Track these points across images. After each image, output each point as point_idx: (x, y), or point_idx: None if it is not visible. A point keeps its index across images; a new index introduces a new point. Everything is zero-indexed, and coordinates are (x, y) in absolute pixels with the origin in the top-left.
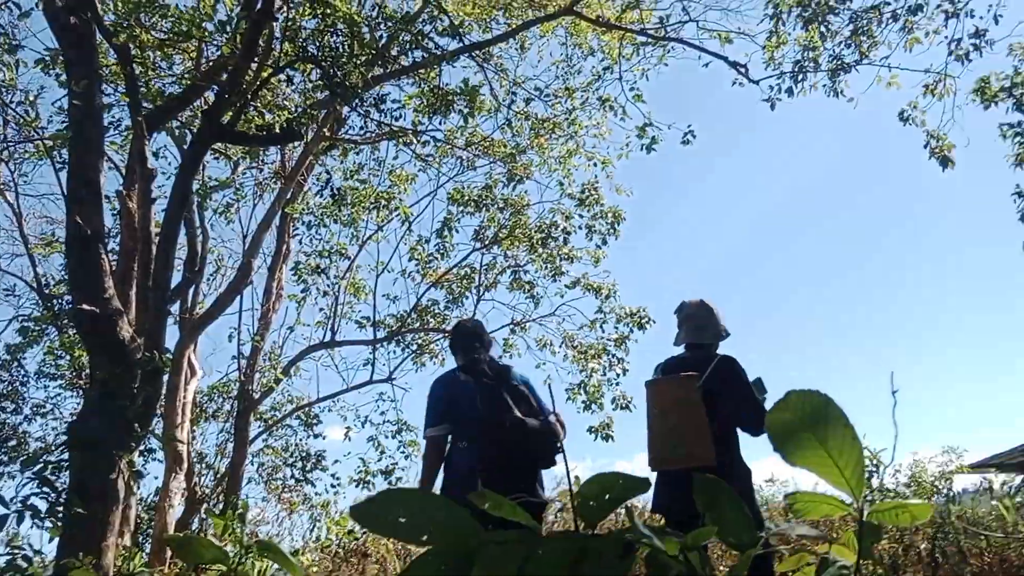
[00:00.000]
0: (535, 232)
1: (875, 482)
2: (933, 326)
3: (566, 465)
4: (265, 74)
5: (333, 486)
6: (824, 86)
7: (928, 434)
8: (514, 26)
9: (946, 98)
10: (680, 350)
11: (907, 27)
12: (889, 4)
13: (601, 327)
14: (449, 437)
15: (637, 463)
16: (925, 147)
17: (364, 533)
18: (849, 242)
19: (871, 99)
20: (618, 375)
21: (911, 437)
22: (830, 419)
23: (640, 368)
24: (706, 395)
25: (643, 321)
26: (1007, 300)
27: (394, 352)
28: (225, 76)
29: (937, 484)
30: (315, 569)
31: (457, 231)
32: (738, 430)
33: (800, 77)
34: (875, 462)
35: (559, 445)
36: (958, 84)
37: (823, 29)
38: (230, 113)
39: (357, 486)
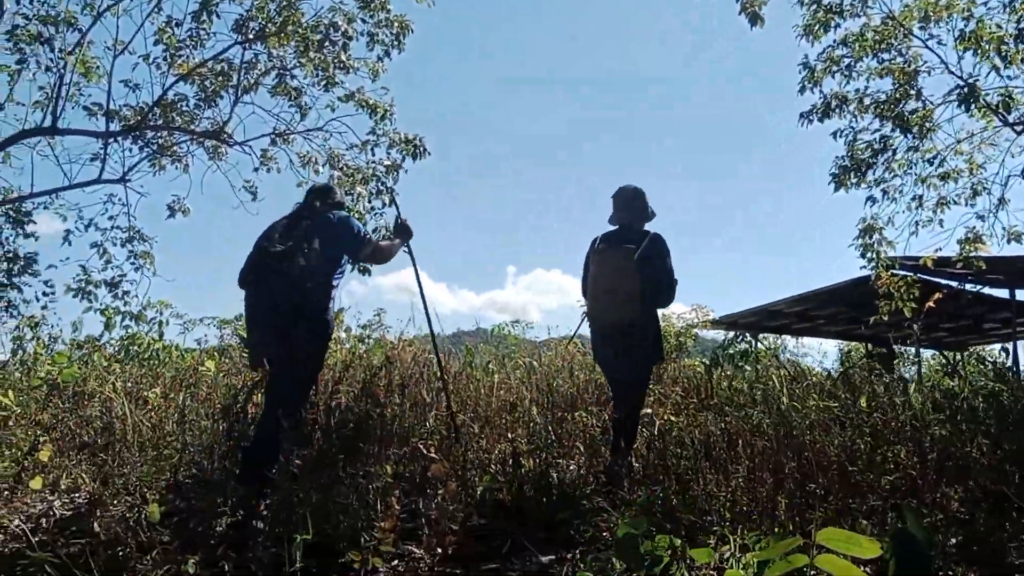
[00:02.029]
0: (311, 32)
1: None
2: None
3: (424, 304)
4: None
5: (45, 294)
6: None
7: (688, 295)
8: None
9: None
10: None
11: None
12: None
13: (372, 150)
14: None
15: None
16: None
17: (86, 366)
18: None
19: None
20: (384, 204)
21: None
22: None
23: (409, 198)
24: (637, 265)
25: (418, 150)
26: (787, 174)
27: (130, 150)
28: None
29: (681, 338)
30: (17, 409)
31: (218, 16)
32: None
33: None
34: None
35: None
36: None
37: None
38: None
39: (75, 296)
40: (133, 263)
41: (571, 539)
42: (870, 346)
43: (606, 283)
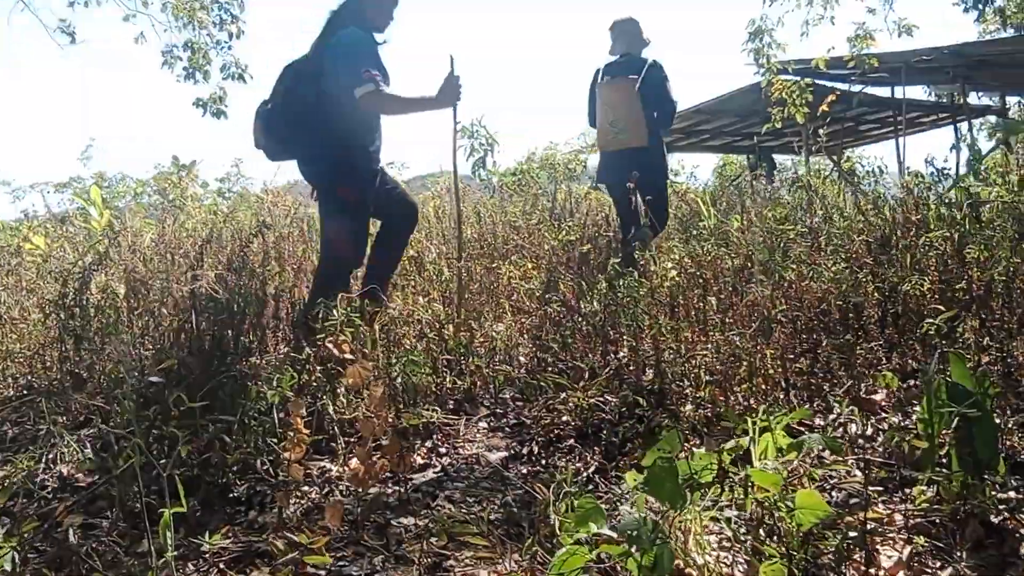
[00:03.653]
0: None
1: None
2: None
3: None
4: None
5: None
6: None
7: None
8: None
9: None
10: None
11: None
12: None
13: None
14: None
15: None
16: None
17: None
18: None
19: None
20: (231, 36)
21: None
22: None
23: (254, 32)
24: (639, 94)
25: None
26: None
27: None
28: None
29: (571, 165)
30: None
31: None
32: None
33: None
34: (490, 142)
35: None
36: None
37: None
38: None
39: None
40: None
41: (523, 425)
42: (750, 157)
43: (612, 113)
